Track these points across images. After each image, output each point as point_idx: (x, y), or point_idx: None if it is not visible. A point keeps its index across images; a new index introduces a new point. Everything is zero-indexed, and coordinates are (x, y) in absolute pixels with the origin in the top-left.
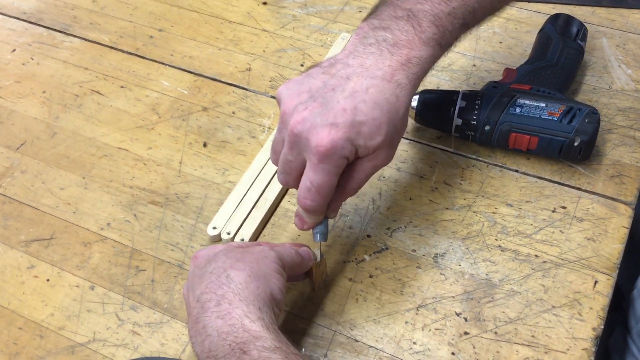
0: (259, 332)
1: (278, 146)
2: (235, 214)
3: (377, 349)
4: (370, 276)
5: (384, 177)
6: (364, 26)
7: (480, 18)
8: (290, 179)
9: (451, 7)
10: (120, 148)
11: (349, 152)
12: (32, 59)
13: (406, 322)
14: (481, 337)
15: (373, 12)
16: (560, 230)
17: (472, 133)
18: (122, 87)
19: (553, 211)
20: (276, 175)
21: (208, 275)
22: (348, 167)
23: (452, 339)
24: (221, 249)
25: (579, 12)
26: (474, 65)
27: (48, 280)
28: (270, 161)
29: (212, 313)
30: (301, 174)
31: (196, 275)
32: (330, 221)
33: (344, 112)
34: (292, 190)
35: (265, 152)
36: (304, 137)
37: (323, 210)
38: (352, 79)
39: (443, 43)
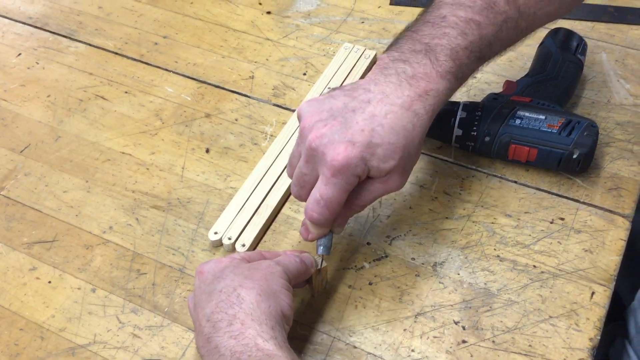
0: (273, 350)
1: (295, 159)
2: (237, 219)
3: (375, 355)
4: (370, 283)
5: None
6: (384, 57)
7: (497, 51)
8: (304, 192)
9: (468, 41)
10: (123, 153)
11: (361, 170)
12: (38, 63)
13: (405, 330)
14: (479, 345)
15: (394, 44)
16: (558, 242)
17: (472, 144)
18: (126, 92)
19: (551, 222)
20: (277, 184)
21: (217, 294)
22: (359, 186)
23: (450, 347)
24: (227, 264)
25: (579, 27)
26: (475, 77)
27: (50, 282)
28: (271, 168)
29: (224, 333)
30: None
31: (204, 292)
32: None
33: (362, 133)
34: (292, 198)
35: (267, 159)
36: (320, 152)
37: (329, 223)
38: (372, 104)
39: (459, 76)
